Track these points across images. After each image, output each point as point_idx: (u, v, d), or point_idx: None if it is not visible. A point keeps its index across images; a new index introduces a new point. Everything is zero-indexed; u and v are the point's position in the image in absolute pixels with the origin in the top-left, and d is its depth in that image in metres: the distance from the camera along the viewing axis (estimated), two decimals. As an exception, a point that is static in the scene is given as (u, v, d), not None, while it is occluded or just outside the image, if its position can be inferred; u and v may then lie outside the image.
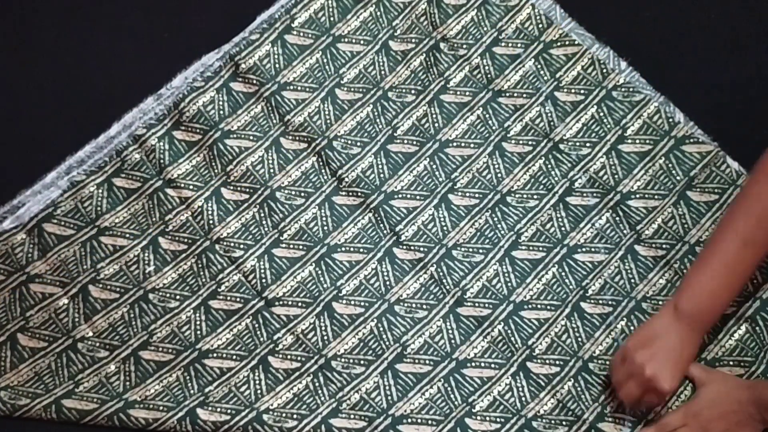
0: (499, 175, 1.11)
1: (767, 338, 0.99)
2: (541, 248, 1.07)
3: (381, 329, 1.04)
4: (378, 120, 1.14)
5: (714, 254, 0.94)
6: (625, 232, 1.06)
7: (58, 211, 1.10)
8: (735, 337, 1.00)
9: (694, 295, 0.94)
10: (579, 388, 1.00)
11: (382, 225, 1.09)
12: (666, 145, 1.10)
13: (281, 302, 1.06)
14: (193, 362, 1.03)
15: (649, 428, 0.96)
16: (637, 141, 1.11)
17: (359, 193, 1.11)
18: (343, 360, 1.03)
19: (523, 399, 1.00)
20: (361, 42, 1.18)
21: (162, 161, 1.12)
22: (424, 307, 1.05)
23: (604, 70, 1.14)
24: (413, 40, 1.18)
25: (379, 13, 1.19)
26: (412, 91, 1.15)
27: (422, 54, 1.17)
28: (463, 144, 1.12)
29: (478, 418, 0.99)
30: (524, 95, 1.14)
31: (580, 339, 1.02)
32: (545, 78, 1.15)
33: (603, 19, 1.18)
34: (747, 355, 0.99)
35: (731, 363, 0.99)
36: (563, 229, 1.08)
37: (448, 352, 1.03)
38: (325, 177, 1.12)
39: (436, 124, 1.13)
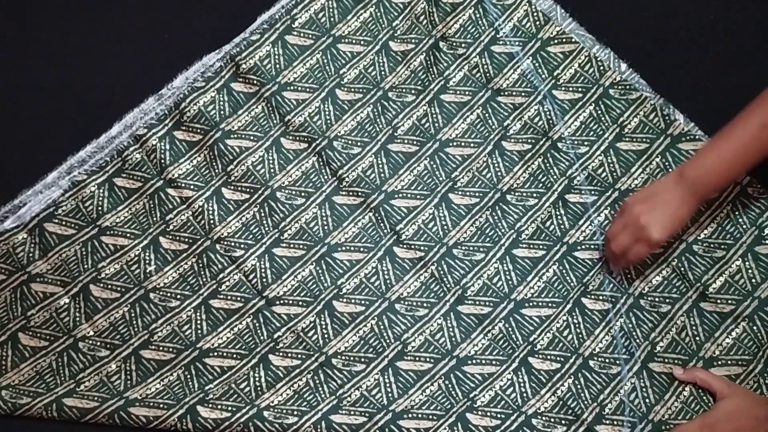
0: (499, 173, 1.11)
1: (765, 337, 1.00)
2: (541, 246, 1.07)
3: (381, 327, 1.04)
4: (378, 120, 1.15)
5: (731, 131, 0.96)
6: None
7: (60, 210, 1.10)
8: (732, 336, 1.01)
9: (702, 163, 0.96)
10: (579, 386, 1.00)
11: (382, 224, 1.10)
12: (662, 144, 1.10)
13: (282, 301, 1.06)
14: (194, 361, 1.03)
15: None
16: (635, 139, 1.11)
17: (360, 193, 1.11)
18: (343, 357, 1.03)
19: (525, 395, 1.00)
20: (362, 42, 1.18)
21: (163, 161, 1.12)
22: (425, 305, 1.05)
23: (601, 68, 1.14)
24: (413, 41, 1.18)
25: (379, 14, 1.20)
26: (413, 91, 1.16)
27: (422, 53, 1.17)
28: (463, 143, 1.13)
29: (479, 413, 0.99)
30: (523, 94, 1.14)
31: (580, 335, 1.03)
32: (543, 76, 1.15)
33: (603, 19, 1.18)
34: (745, 354, 1.00)
35: (729, 362, 1.00)
36: (563, 226, 1.08)
37: (448, 349, 1.03)
38: (326, 177, 1.12)
39: (437, 124, 1.14)
